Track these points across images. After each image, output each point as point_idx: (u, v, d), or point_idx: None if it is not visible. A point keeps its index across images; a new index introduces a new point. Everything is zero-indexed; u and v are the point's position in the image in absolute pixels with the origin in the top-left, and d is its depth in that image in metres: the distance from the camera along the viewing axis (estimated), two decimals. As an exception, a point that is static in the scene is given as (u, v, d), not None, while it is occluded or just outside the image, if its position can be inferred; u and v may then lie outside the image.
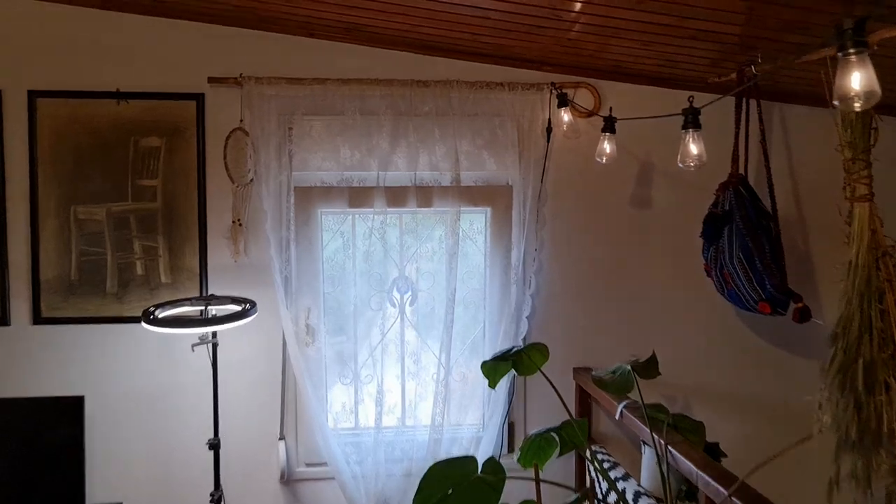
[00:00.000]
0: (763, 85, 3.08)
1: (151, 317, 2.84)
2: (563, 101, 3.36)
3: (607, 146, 3.23)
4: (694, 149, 2.57)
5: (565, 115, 3.39)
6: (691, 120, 2.56)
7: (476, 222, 3.46)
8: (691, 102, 2.62)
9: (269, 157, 3.21)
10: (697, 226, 3.16)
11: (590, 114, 3.48)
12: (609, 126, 3.23)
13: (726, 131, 3.14)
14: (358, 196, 3.31)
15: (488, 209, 3.43)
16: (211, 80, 3.21)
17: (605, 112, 3.41)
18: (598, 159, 3.27)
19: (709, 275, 3.22)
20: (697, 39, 2.80)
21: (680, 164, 2.62)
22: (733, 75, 3.08)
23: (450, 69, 3.37)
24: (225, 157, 3.21)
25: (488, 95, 3.35)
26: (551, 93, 3.41)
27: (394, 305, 3.35)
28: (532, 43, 3.13)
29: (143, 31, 3.23)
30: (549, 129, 3.43)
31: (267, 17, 3.16)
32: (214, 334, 3.02)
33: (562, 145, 3.49)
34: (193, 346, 2.94)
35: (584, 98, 3.49)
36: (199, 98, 3.23)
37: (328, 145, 3.27)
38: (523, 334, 3.39)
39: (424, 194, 3.34)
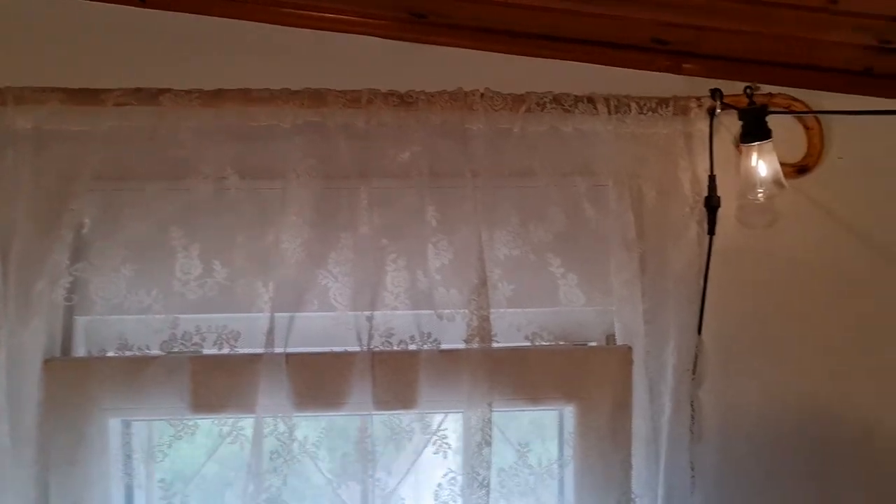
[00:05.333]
0: None
1: None
2: (758, 130, 1.34)
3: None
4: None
5: (762, 166, 1.35)
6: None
7: (534, 442, 1.35)
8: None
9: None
10: None
11: (801, 166, 1.46)
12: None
13: None
14: (221, 376, 1.26)
15: (568, 408, 1.33)
16: None
17: (836, 154, 1.40)
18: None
19: None
20: None
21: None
22: None
23: (463, 70, 1.43)
24: None
25: (558, 126, 1.37)
26: (713, 115, 1.40)
27: None
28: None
29: None
30: (710, 201, 1.38)
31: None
32: None
33: (742, 240, 1.45)
34: None
35: (784, 126, 1.47)
36: None
37: (151, 251, 1.28)
38: None
39: (395, 371, 1.27)
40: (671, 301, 1.37)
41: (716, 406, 1.44)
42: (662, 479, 1.31)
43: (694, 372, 1.37)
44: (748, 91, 1.36)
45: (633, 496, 1.27)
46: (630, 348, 1.29)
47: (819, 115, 1.49)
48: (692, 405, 1.36)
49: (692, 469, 1.35)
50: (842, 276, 1.49)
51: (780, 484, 1.46)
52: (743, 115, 1.35)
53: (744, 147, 1.36)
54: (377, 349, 1.25)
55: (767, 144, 1.33)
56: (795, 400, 1.48)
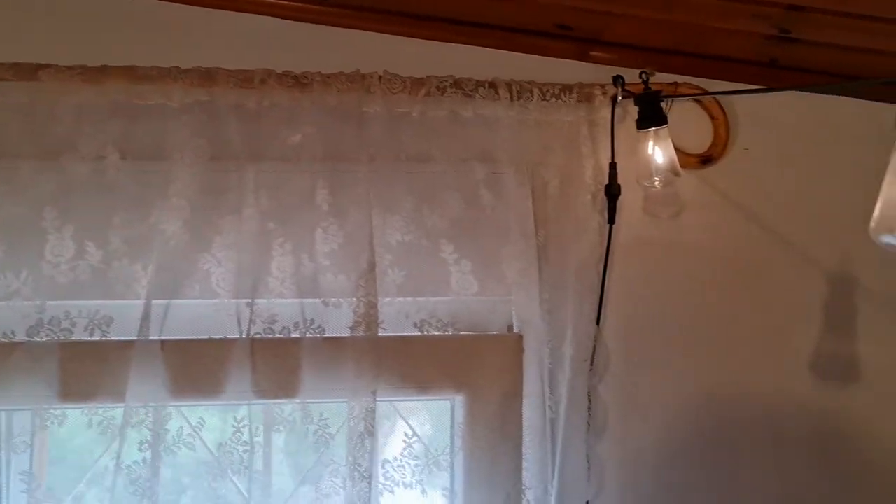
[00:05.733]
0: None
1: None
2: (654, 116, 1.32)
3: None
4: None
5: (658, 153, 1.34)
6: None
7: (426, 432, 1.31)
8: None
9: None
10: None
11: (705, 157, 1.45)
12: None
13: None
14: (92, 363, 1.20)
15: (458, 398, 1.29)
16: None
17: (742, 145, 1.39)
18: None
19: None
20: None
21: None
22: None
23: (362, 52, 1.39)
24: None
25: (458, 111, 1.34)
26: (615, 102, 1.38)
27: None
28: None
29: None
30: (610, 189, 1.36)
31: None
32: None
33: (645, 230, 1.43)
34: None
35: (690, 116, 1.46)
36: None
37: (22, 232, 1.22)
38: None
39: (276, 359, 1.23)
40: (571, 291, 1.34)
41: (617, 398, 1.42)
42: (557, 471, 1.28)
43: (592, 363, 1.35)
44: (643, 76, 1.35)
45: (524, 488, 1.23)
46: (521, 337, 1.26)
47: (725, 107, 1.48)
48: (589, 397, 1.33)
49: (588, 462, 1.32)
50: (746, 266, 1.48)
51: (681, 476, 1.44)
52: (638, 100, 1.33)
53: (640, 133, 1.34)
54: (258, 336, 1.20)
55: (663, 130, 1.32)
56: (698, 390, 1.46)
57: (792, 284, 1.50)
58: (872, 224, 0.73)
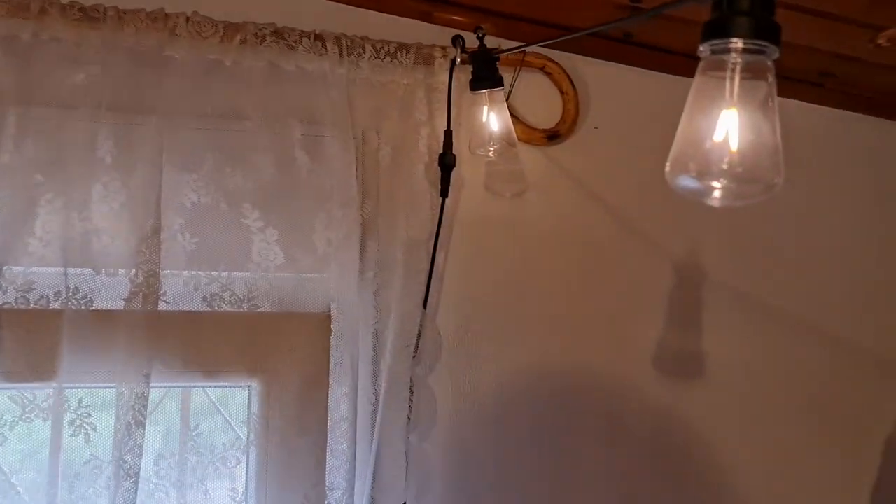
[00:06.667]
0: None
1: None
2: (489, 77, 1.21)
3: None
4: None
5: (493, 119, 1.22)
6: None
7: (214, 424, 1.14)
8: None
9: None
10: None
11: (552, 132, 1.35)
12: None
13: None
14: None
15: (252, 384, 1.13)
16: None
17: (593, 123, 1.30)
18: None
19: None
20: None
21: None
22: None
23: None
24: None
25: (279, 63, 1.18)
26: (453, 64, 1.25)
27: None
28: None
29: None
30: (444, 159, 1.24)
31: None
32: None
33: (487, 208, 1.32)
34: None
35: (538, 89, 1.37)
36: None
37: None
38: None
39: (29, 335, 1.04)
40: (400, 269, 1.21)
41: (449, 388, 1.30)
42: (371, 469, 1.14)
43: (416, 349, 1.22)
44: (479, 33, 1.23)
45: (327, 489, 1.08)
46: (328, 316, 1.12)
47: (576, 83, 1.39)
48: (412, 387, 1.20)
49: (408, 458, 1.19)
50: (591, 250, 1.40)
51: (514, 474, 1.34)
52: (473, 59, 1.22)
53: (476, 98, 1.23)
54: (7, 306, 1.00)
55: (499, 94, 1.21)
56: (537, 382, 1.36)
57: (637, 272, 1.42)
58: (668, 166, 0.63)
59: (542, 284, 1.38)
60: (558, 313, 1.38)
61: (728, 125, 0.58)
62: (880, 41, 1.15)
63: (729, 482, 1.42)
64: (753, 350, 1.44)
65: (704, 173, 0.58)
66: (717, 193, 0.60)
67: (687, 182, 0.59)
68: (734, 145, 0.58)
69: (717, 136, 0.58)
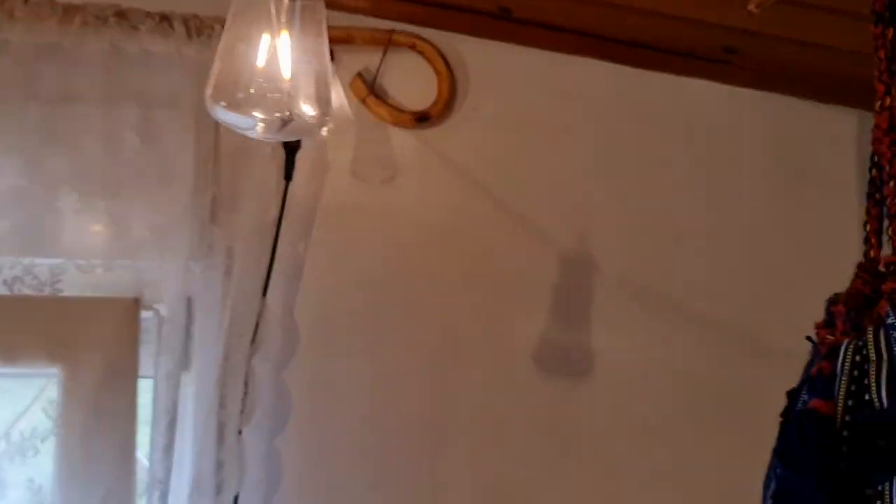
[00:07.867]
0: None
1: None
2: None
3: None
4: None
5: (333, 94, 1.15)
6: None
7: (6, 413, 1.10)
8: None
9: None
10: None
11: (421, 114, 1.28)
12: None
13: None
14: None
15: (55, 371, 1.08)
16: None
17: (472, 104, 1.24)
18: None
19: None
20: None
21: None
22: None
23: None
24: None
25: (122, 45, 1.16)
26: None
27: None
28: None
29: None
30: (287, 141, 1.19)
31: None
32: None
33: (353, 194, 1.26)
34: None
35: (411, 74, 1.30)
36: None
37: None
38: None
39: None
40: (240, 257, 1.16)
41: (304, 383, 1.24)
42: (192, 464, 1.08)
43: (253, 339, 1.16)
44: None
45: (139, 482, 1.03)
46: (136, 301, 1.07)
47: (452, 63, 1.32)
48: (246, 381, 1.15)
49: (240, 451, 1.13)
50: (469, 240, 1.32)
51: (376, 473, 1.26)
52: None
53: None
54: None
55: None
56: (405, 377, 1.29)
57: (520, 263, 1.33)
58: (207, 96, 0.55)
59: (413, 276, 1.31)
60: (431, 306, 1.31)
61: (272, 50, 0.51)
62: (750, 7, 1.04)
63: (614, 477, 1.31)
64: (646, 346, 1.32)
65: (244, 103, 0.51)
66: (259, 126, 0.52)
67: (224, 115, 0.52)
68: (282, 73, 0.50)
69: (260, 62, 0.50)
